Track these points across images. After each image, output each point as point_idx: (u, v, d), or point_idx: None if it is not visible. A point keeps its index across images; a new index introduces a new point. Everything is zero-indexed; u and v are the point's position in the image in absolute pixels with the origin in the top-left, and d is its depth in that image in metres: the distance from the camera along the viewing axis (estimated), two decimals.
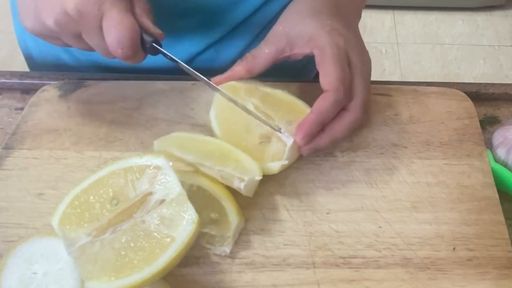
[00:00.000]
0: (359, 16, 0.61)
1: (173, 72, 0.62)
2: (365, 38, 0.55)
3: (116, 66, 0.64)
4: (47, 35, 0.49)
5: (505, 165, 0.53)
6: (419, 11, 2.19)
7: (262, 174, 0.47)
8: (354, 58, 0.50)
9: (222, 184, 0.48)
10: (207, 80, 0.51)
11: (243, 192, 0.47)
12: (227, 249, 0.46)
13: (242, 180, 0.46)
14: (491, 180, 0.52)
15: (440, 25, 2.15)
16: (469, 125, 0.56)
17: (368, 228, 0.48)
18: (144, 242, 0.41)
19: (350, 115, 0.50)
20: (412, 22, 2.16)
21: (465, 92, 0.60)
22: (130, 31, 0.46)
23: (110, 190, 0.44)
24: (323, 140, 0.49)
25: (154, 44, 0.49)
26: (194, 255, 0.46)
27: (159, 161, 0.45)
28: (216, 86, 0.51)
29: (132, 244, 0.41)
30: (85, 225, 0.43)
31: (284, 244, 0.47)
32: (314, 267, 0.46)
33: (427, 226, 0.48)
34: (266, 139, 0.50)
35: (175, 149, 0.49)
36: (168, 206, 0.43)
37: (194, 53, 0.66)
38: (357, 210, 0.49)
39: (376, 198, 0.50)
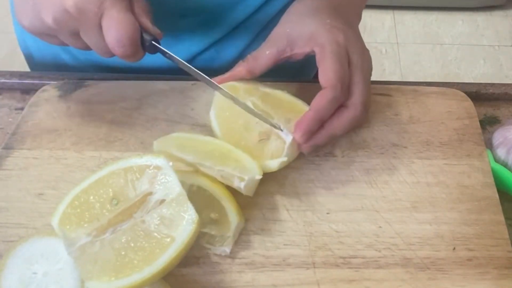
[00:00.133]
0: (359, 17, 0.61)
1: (173, 72, 0.62)
2: (365, 38, 0.55)
3: (116, 66, 0.64)
4: (44, 33, 0.49)
5: (505, 165, 0.53)
6: (419, 11, 2.19)
7: (262, 174, 0.47)
8: (354, 55, 0.51)
9: (222, 184, 0.48)
10: (207, 78, 0.51)
11: (243, 192, 0.47)
12: (227, 249, 0.46)
13: (242, 179, 0.46)
14: (491, 180, 0.52)
15: (440, 25, 2.15)
16: (469, 125, 0.56)
17: (368, 228, 0.48)
18: (144, 242, 0.41)
19: (349, 112, 0.50)
20: (412, 22, 2.16)
21: (465, 92, 0.60)
22: (130, 30, 0.46)
23: (110, 190, 0.44)
24: (322, 136, 0.50)
25: (153, 42, 0.49)
26: (194, 255, 0.46)
27: (159, 161, 0.45)
28: (215, 83, 0.51)
29: (132, 244, 0.41)
30: (85, 225, 0.43)
31: (284, 244, 0.47)
32: (314, 267, 0.46)
33: (427, 226, 0.48)
34: (265, 137, 0.50)
35: (175, 149, 0.49)
36: (168, 206, 0.43)
37: (195, 52, 0.66)
38: (357, 210, 0.49)
39: (376, 198, 0.50)
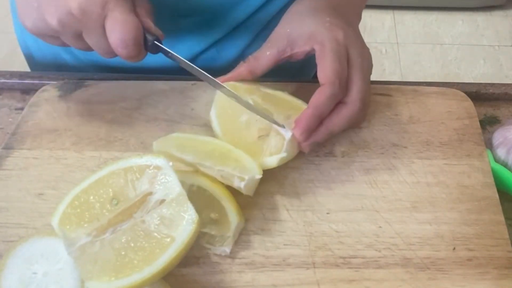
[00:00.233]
0: (359, 17, 0.61)
1: (173, 72, 0.62)
2: (365, 38, 0.55)
3: (116, 66, 0.64)
4: (47, 34, 0.49)
5: (505, 165, 0.53)
6: (419, 11, 2.20)
7: (262, 173, 0.47)
8: (354, 52, 0.51)
9: (222, 184, 0.48)
10: (209, 76, 0.51)
11: (244, 191, 0.47)
12: (227, 249, 0.46)
13: (242, 179, 0.46)
14: (491, 180, 0.52)
15: (440, 25, 2.15)
16: (469, 125, 0.56)
17: (368, 228, 0.48)
18: (144, 242, 0.41)
19: (347, 109, 0.50)
20: (412, 22, 2.16)
21: (465, 92, 0.60)
22: (134, 30, 0.47)
23: (110, 190, 0.44)
24: (321, 133, 0.50)
25: (155, 42, 0.49)
26: (194, 255, 0.46)
27: (159, 161, 0.45)
28: (217, 81, 0.52)
29: (132, 244, 0.41)
30: (85, 225, 0.43)
31: (284, 244, 0.47)
32: (314, 267, 0.46)
33: (427, 226, 0.48)
34: (264, 133, 0.50)
35: (174, 149, 0.49)
36: (168, 206, 0.42)
37: (196, 52, 0.66)
38: (357, 210, 0.49)
39: (376, 198, 0.50)
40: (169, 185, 0.43)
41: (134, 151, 0.54)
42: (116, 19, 0.46)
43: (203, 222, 0.46)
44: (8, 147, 0.54)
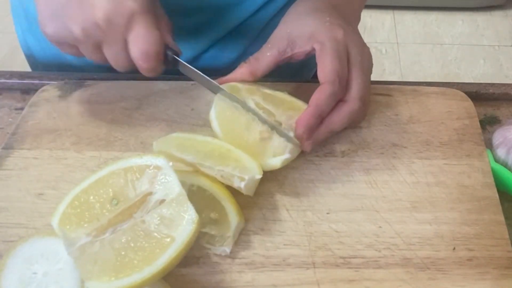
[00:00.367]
0: (358, 18, 0.61)
1: (173, 72, 0.62)
2: (365, 38, 0.55)
3: None
4: (66, 43, 0.49)
5: (505, 165, 0.53)
6: (419, 11, 2.20)
7: (262, 173, 0.47)
8: (354, 51, 0.51)
9: (222, 184, 0.48)
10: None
11: (244, 191, 0.47)
12: (227, 249, 0.46)
13: (242, 179, 0.46)
14: (491, 180, 0.52)
15: (440, 25, 2.15)
16: (469, 125, 0.56)
17: (368, 228, 0.48)
18: (144, 242, 0.41)
19: (347, 107, 0.51)
20: (412, 22, 2.16)
21: (465, 92, 0.60)
22: (157, 44, 0.48)
23: (110, 190, 0.44)
24: (322, 132, 0.50)
25: (175, 56, 0.51)
26: (194, 255, 0.46)
27: (159, 161, 0.45)
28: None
29: (132, 244, 0.41)
30: (85, 225, 0.43)
31: (284, 244, 0.47)
32: (314, 267, 0.46)
33: (427, 226, 0.48)
34: (267, 135, 0.50)
35: (174, 149, 0.49)
36: (168, 206, 0.42)
37: (199, 51, 0.67)
38: (357, 210, 0.49)
39: (376, 198, 0.50)
40: (169, 185, 0.43)
41: (134, 151, 0.54)
42: (141, 31, 0.47)
43: (203, 222, 0.46)
44: (8, 147, 0.54)
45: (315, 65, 0.51)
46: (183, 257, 0.42)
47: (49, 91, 0.60)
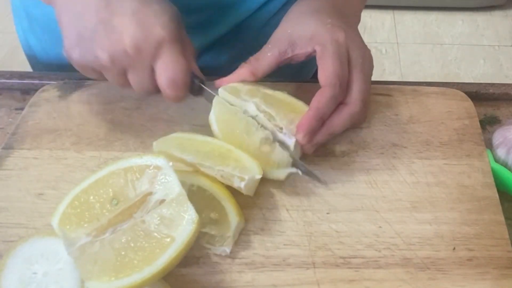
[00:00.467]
0: (358, 19, 0.61)
1: None
2: (365, 38, 0.55)
3: None
4: (91, 68, 0.49)
5: (505, 165, 0.53)
6: (419, 11, 2.20)
7: (262, 173, 0.47)
8: (354, 53, 0.51)
9: (222, 184, 0.48)
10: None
11: (244, 191, 0.47)
12: (227, 249, 0.46)
13: (242, 179, 0.46)
14: (491, 180, 0.52)
15: (440, 25, 2.15)
16: (469, 125, 0.56)
17: (368, 228, 0.48)
18: (144, 242, 0.41)
19: (348, 109, 0.51)
20: (412, 22, 2.16)
21: (465, 92, 0.60)
22: (184, 73, 0.48)
23: (110, 190, 0.44)
24: (323, 134, 0.50)
25: (201, 84, 0.52)
26: (194, 255, 0.46)
27: (159, 161, 0.45)
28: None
29: (132, 244, 0.41)
30: (85, 225, 0.43)
31: (284, 244, 0.47)
32: (314, 267, 0.46)
33: (427, 226, 0.48)
34: (268, 148, 0.50)
35: (174, 149, 0.49)
36: (168, 206, 0.42)
37: (199, 50, 0.67)
38: (357, 210, 0.49)
39: (376, 198, 0.50)
40: (169, 185, 0.43)
41: (134, 151, 0.54)
42: (169, 60, 0.47)
43: (203, 222, 0.46)
44: (8, 147, 0.54)
45: (315, 65, 0.51)
46: (183, 257, 0.42)
47: (49, 91, 0.60)
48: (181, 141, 0.51)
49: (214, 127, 0.52)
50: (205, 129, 0.54)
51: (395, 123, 0.57)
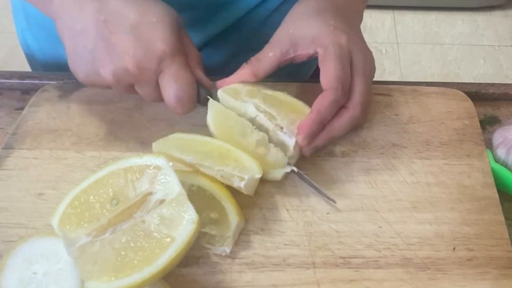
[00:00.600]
0: (360, 18, 0.61)
1: None
2: (365, 38, 0.55)
3: None
4: (99, 85, 0.49)
5: (505, 165, 0.53)
6: (419, 11, 2.19)
7: (262, 172, 0.47)
8: (356, 57, 0.51)
9: (222, 184, 0.48)
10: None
11: (244, 191, 0.47)
12: (227, 249, 0.46)
13: (242, 179, 0.46)
14: (491, 180, 0.52)
15: (440, 25, 2.15)
16: (469, 125, 0.56)
17: (368, 228, 0.48)
18: (144, 242, 0.41)
19: (348, 113, 0.51)
20: (412, 22, 2.16)
21: (465, 92, 0.60)
22: (189, 87, 0.48)
23: (110, 190, 0.44)
24: (323, 138, 0.50)
25: (208, 96, 0.51)
26: (194, 255, 0.46)
27: (159, 161, 0.45)
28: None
29: (132, 244, 0.41)
30: (85, 225, 0.43)
31: (284, 244, 0.47)
32: (314, 267, 0.46)
33: (427, 226, 0.48)
34: (263, 148, 0.50)
35: (174, 150, 0.49)
36: (168, 206, 0.42)
37: (196, 46, 0.66)
38: (357, 210, 0.49)
39: (376, 198, 0.50)
40: (169, 185, 0.43)
41: (134, 151, 0.54)
42: (172, 76, 0.47)
43: (203, 222, 0.46)
44: (8, 147, 0.54)
45: (314, 64, 0.51)
46: (183, 257, 0.42)
47: (49, 91, 0.60)
48: (181, 142, 0.51)
49: (212, 129, 0.52)
50: (205, 129, 0.54)
51: (395, 123, 0.57)
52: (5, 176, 0.52)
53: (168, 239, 0.41)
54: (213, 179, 0.48)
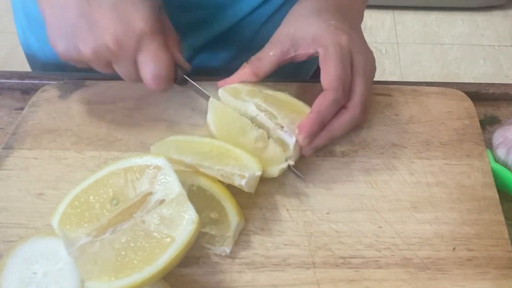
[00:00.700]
0: (361, 17, 0.61)
1: None
2: (365, 38, 0.55)
3: None
4: (76, 60, 0.50)
5: (505, 165, 0.53)
6: (419, 11, 2.19)
7: (262, 169, 0.47)
8: (357, 57, 0.51)
9: (222, 184, 0.48)
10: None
11: (245, 189, 0.47)
12: (227, 249, 0.46)
13: (242, 177, 0.46)
14: (491, 180, 0.52)
15: (440, 25, 2.15)
16: (469, 125, 0.56)
17: (368, 228, 0.48)
18: (144, 242, 0.41)
19: (349, 113, 0.51)
20: (412, 22, 2.16)
21: (465, 92, 0.60)
22: (167, 66, 0.49)
23: (110, 190, 0.44)
24: (323, 138, 0.50)
25: (185, 76, 0.52)
26: (194, 255, 0.46)
27: (159, 161, 0.45)
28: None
29: (132, 244, 0.41)
30: (85, 225, 0.43)
31: (284, 244, 0.47)
32: (314, 267, 0.46)
33: (427, 226, 0.48)
34: (262, 143, 0.50)
35: (172, 152, 0.49)
36: (168, 206, 0.42)
37: (195, 49, 0.66)
38: (357, 210, 0.49)
39: (376, 198, 0.50)
40: (169, 185, 0.43)
41: (134, 151, 0.54)
42: (150, 53, 0.48)
43: (203, 222, 0.46)
44: (8, 147, 0.54)
45: (315, 64, 0.51)
46: (183, 257, 0.42)
47: (49, 91, 0.60)
48: (179, 143, 0.51)
49: (212, 128, 0.52)
50: (205, 129, 0.54)
51: (395, 123, 0.57)
52: (5, 176, 0.52)
53: (168, 239, 0.41)
54: (213, 179, 0.48)
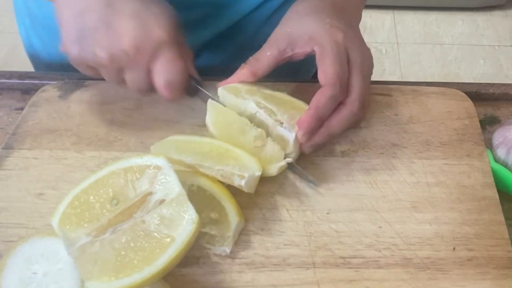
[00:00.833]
0: (359, 17, 0.61)
1: None
2: (365, 38, 0.55)
3: None
4: (88, 65, 0.50)
5: (505, 165, 0.53)
6: (419, 11, 2.19)
7: (261, 169, 0.47)
8: (354, 54, 0.51)
9: (222, 184, 0.48)
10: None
11: (245, 189, 0.47)
12: (227, 249, 0.46)
13: (242, 177, 0.46)
14: (491, 180, 0.52)
15: (440, 25, 2.15)
16: (469, 125, 0.56)
17: (368, 228, 0.48)
18: (144, 242, 0.41)
19: (347, 110, 0.51)
20: (412, 22, 2.16)
21: (465, 92, 0.60)
22: (181, 74, 0.49)
23: (110, 190, 0.44)
24: (322, 135, 0.50)
25: (197, 86, 0.53)
26: (194, 255, 0.46)
27: (159, 161, 0.45)
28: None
29: (132, 244, 0.41)
30: (85, 225, 0.43)
31: (284, 244, 0.47)
32: (314, 267, 0.46)
33: (427, 226, 0.48)
34: (260, 142, 0.50)
35: (172, 152, 0.49)
36: (168, 206, 0.42)
37: (197, 47, 0.66)
38: (357, 210, 0.49)
39: (376, 198, 0.50)
40: (169, 185, 0.43)
41: (134, 151, 0.54)
42: (167, 61, 0.48)
43: (203, 222, 0.46)
44: (8, 147, 0.54)
45: (314, 65, 0.51)
46: (183, 257, 0.42)
47: (49, 91, 0.60)
48: (179, 144, 0.51)
49: (211, 129, 0.52)
50: (205, 129, 0.54)
51: (395, 123, 0.57)
52: (5, 176, 0.52)
53: (168, 239, 0.41)
54: (213, 179, 0.48)
